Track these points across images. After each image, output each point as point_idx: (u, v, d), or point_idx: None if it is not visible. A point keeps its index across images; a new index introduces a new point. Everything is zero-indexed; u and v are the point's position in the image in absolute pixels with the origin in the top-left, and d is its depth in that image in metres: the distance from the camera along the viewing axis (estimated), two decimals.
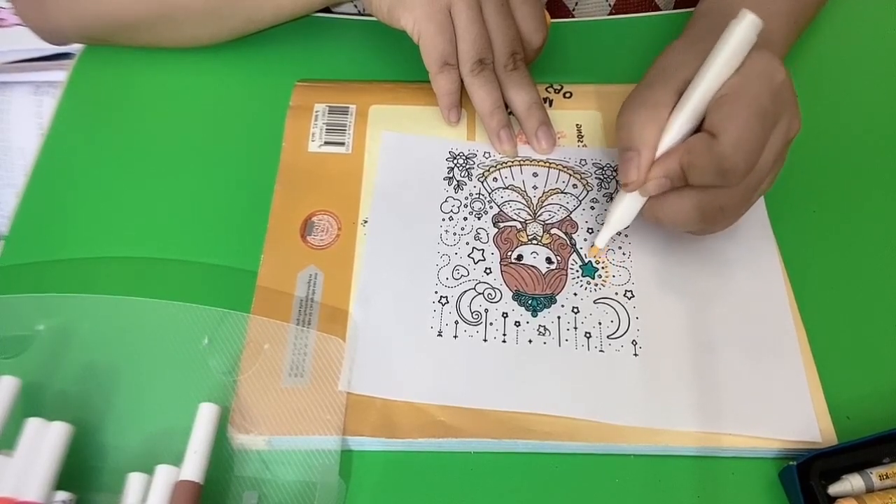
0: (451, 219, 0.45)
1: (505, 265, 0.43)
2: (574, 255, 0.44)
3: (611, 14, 0.59)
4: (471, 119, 0.50)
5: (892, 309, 0.43)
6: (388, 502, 0.37)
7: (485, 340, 0.40)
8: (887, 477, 0.36)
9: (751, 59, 0.37)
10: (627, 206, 0.41)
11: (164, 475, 0.34)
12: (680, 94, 0.38)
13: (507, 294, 0.42)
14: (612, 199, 0.46)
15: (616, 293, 0.42)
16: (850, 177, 0.49)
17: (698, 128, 0.38)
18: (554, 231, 0.45)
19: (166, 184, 0.47)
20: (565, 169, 0.48)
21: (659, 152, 0.38)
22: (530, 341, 0.40)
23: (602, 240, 0.43)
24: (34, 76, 0.83)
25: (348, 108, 0.50)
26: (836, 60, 0.55)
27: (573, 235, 0.45)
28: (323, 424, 0.37)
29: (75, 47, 0.55)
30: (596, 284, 0.43)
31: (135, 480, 0.34)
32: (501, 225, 0.45)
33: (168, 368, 0.39)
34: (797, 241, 0.45)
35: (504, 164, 0.48)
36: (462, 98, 0.48)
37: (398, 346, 0.40)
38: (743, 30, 0.36)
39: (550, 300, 0.42)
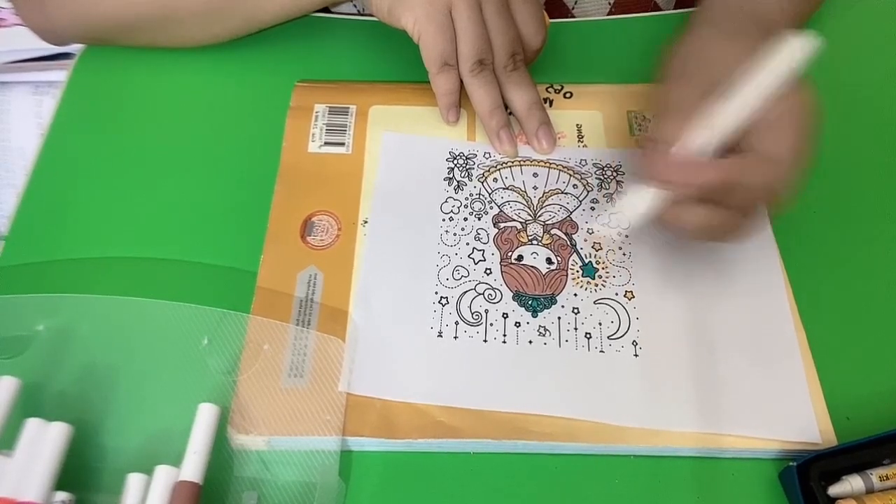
0: (451, 219, 0.45)
1: (505, 266, 0.43)
2: (574, 256, 0.44)
3: (610, 13, 0.59)
4: (471, 119, 0.50)
5: (891, 310, 0.43)
6: (387, 502, 0.37)
7: (485, 341, 0.40)
8: (887, 478, 0.36)
9: (800, 86, 0.36)
10: (639, 202, 0.38)
11: (164, 476, 0.34)
12: (719, 93, 0.37)
13: (508, 294, 0.42)
14: (611, 199, 0.46)
15: (616, 294, 0.42)
16: (851, 178, 0.49)
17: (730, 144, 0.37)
18: (554, 231, 0.45)
19: (166, 184, 0.47)
20: (565, 169, 0.48)
21: (690, 149, 0.36)
22: (530, 342, 0.40)
23: (610, 231, 0.42)
24: (34, 76, 0.83)
25: (348, 108, 0.50)
26: (836, 59, 0.55)
27: (573, 236, 0.45)
28: (323, 425, 0.37)
29: (75, 47, 0.55)
30: (596, 285, 0.43)
31: (134, 481, 0.34)
32: (502, 225, 0.45)
33: (168, 368, 0.39)
34: (797, 241, 0.45)
35: (504, 165, 0.48)
36: (462, 98, 0.48)
37: (398, 347, 0.40)
38: (801, 50, 0.35)
39: (551, 301, 0.42)
